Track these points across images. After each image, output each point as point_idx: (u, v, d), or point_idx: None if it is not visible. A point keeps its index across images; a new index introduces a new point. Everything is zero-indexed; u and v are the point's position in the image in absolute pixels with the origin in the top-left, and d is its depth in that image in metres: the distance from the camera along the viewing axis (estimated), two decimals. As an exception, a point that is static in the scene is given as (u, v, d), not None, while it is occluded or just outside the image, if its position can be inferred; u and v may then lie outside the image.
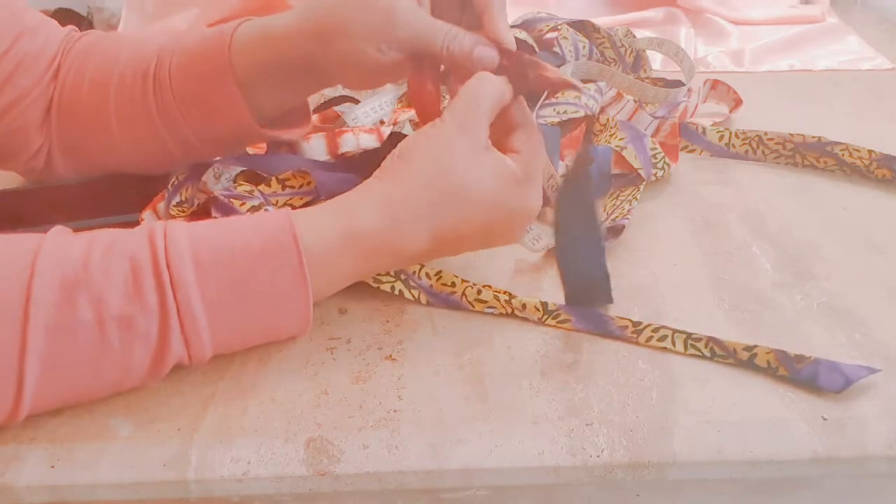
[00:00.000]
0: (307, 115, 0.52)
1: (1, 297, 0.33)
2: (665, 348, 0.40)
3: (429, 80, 0.43)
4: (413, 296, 0.44)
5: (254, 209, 0.45)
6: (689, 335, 0.40)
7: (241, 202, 0.46)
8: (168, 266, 0.35)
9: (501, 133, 0.42)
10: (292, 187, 0.48)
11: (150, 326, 0.35)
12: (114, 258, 0.35)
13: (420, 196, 0.38)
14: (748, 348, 0.39)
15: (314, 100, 0.62)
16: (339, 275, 0.39)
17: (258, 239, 0.36)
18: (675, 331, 0.40)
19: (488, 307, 0.43)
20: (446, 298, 0.43)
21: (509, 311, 0.43)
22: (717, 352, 0.40)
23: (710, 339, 0.40)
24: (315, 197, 0.49)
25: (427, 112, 0.44)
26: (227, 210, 0.45)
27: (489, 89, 0.40)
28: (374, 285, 0.44)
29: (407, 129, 0.55)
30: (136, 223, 0.50)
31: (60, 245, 0.35)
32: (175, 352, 0.35)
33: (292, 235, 0.36)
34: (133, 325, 0.34)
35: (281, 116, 0.50)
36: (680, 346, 0.40)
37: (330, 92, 0.64)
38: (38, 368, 0.33)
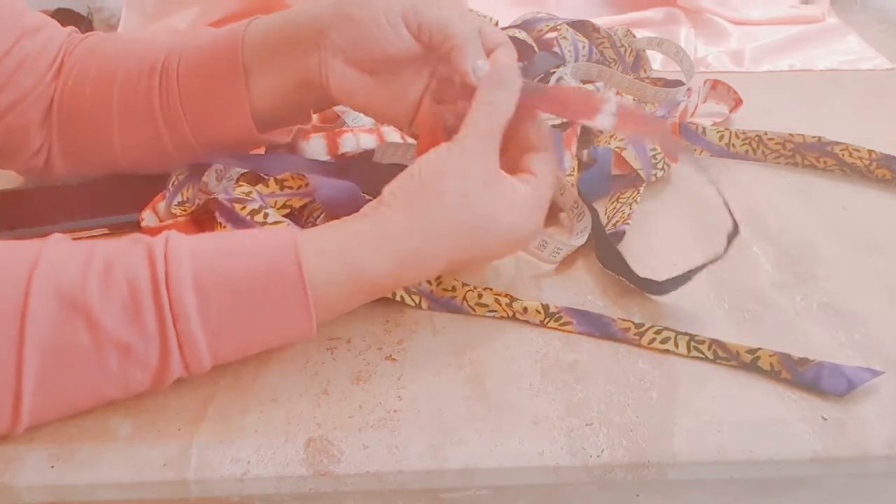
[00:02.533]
0: (307, 115, 0.52)
1: None
2: (668, 350, 0.40)
3: (441, 132, 0.43)
4: (414, 301, 0.43)
5: (254, 212, 0.45)
6: (691, 337, 0.40)
7: (241, 205, 0.45)
8: (168, 293, 0.34)
9: (517, 151, 0.42)
10: (290, 188, 0.48)
11: (150, 352, 0.34)
12: (112, 279, 0.34)
13: (436, 233, 0.38)
14: (751, 351, 0.39)
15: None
16: (343, 306, 0.39)
17: (262, 266, 0.36)
18: (677, 333, 0.40)
19: (489, 311, 0.43)
20: (447, 303, 0.43)
21: (510, 314, 0.42)
22: (719, 354, 0.39)
23: (713, 341, 0.40)
24: (312, 199, 0.48)
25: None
26: (231, 215, 0.45)
27: (502, 109, 0.40)
28: None
29: (394, 138, 0.55)
30: (137, 223, 0.50)
31: (57, 261, 0.34)
32: (174, 373, 0.35)
33: (298, 267, 0.36)
34: (131, 350, 0.34)
35: (281, 118, 0.50)
36: (683, 349, 0.40)
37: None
38: (36, 388, 0.33)
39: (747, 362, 0.39)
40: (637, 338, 0.41)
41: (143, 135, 0.49)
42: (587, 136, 0.59)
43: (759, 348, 0.39)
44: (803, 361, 0.38)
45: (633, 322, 0.41)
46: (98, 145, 0.50)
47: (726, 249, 0.41)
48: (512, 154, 0.41)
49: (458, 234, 0.38)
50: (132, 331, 0.34)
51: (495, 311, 0.43)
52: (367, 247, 0.37)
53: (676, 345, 0.40)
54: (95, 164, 0.52)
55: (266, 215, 0.45)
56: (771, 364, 0.39)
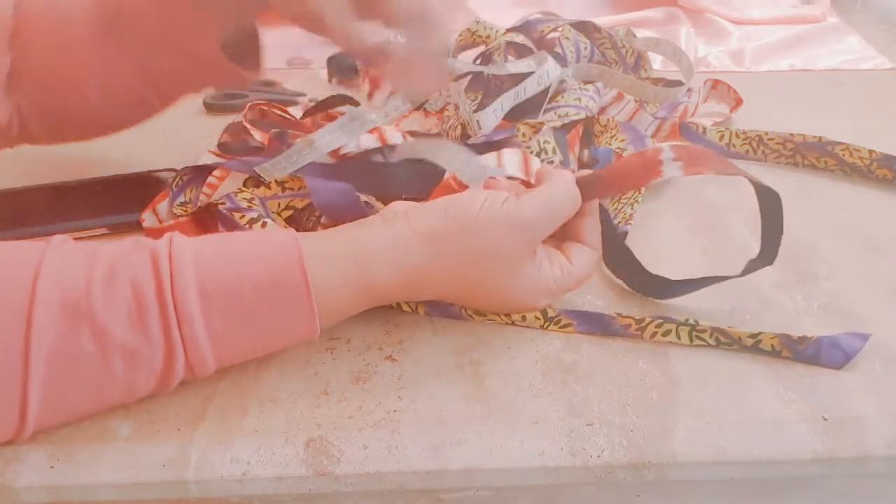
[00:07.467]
0: (258, 56, 0.52)
1: (1, 324, 0.32)
2: (670, 342, 0.40)
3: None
4: (410, 308, 0.43)
5: (253, 221, 0.45)
6: (692, 327, 0.40)
7: (241, 215, 0.45)
8: (173, 298, 0.34)
9: (569, 234, 0.43)
10: (291, 189, 0.48)
11: (155, 357, 0.34)
12: (116, 284, 0.34)
13: (451, 278, 0.39)
14: (753, 335, 0.40)
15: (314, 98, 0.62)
16: (346, 309, 0.39)
17: (266, 270, 0.36)
18: (679, 324, 0.40)
19: (488, 319, 0.42)
20: (446, 310, 0.43)
21: (510, 322, 0.42)
22: (721, 340, 0.40)
23: (714, 329, 0.40)
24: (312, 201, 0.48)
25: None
26: (232, 225, 0.45)
27: (569, 205, 0.41)
28: None
29: (395, 137, 0.55)
30: (137, 223, 0.50)
31: (60, 265, 0.34)
32: (178, 376, 0.35)
33: (301, 270, 0.36)
34: (137, 355, 0.34)
35: (236, 48, 0.49)
36: (685, 339, 0.40)
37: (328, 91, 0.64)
38: (42, 396, 0.33)
39: (749, 346, 0.39)
40: (639, 332, 0.41)
41: (110, 79, 0.48)
42: (588, 137, 0.59)
43: (761, 332, 0.39)
44: (803, 339, 0.39)
45: (633, 318, 0.41)
46: (68, 97, 0.49)
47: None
48: (565, 232, 0.43)
49: (463, 262, 0.39)
50: (137, 336, 0.34)
51: (493, 319, 0.42)
52: (372, 254, 0.38)
53: (678, 336, 0.40)
54: (71, 120, 0.51)
55: (264, 224, 0.45)
56: (772, 345, 0.39)
